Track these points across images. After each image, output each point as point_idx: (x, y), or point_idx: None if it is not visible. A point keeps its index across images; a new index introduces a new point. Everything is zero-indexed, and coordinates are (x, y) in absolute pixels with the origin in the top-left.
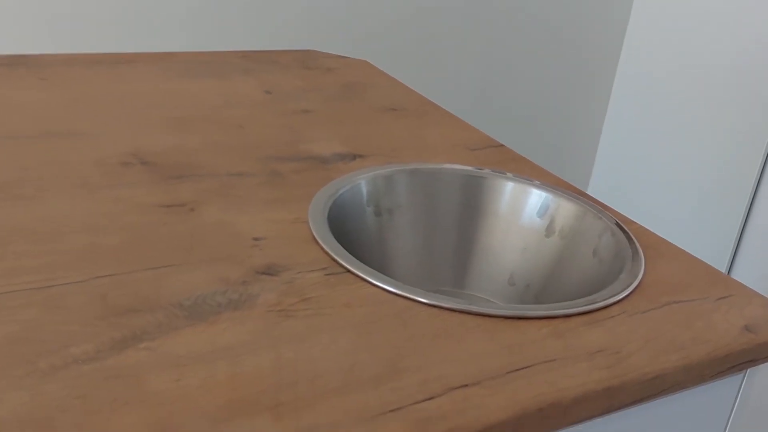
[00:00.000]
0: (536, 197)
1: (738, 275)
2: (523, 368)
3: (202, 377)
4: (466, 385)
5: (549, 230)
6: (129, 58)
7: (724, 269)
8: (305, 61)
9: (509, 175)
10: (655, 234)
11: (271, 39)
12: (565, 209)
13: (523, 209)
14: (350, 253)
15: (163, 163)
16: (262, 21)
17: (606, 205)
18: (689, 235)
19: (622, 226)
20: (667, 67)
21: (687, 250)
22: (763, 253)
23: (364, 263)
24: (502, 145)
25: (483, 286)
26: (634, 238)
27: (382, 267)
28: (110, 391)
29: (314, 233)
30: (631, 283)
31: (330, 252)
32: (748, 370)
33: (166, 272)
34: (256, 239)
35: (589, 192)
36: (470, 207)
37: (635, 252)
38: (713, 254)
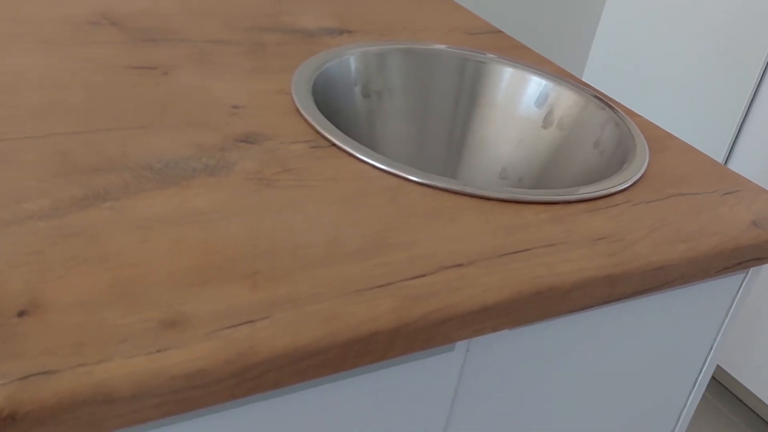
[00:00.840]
0: (536, 85)
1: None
2: (520, 251)
3: (171, 240)
4: (460, 265)
5: (547, 121)
6: None
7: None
8: None
9: (509, 60)
10: (660, 127)
11: None
12: (566, 98)
13: (521, 98)
14: None
15: (134, 25)
16: None
17: (609, 97)
18: (686, 130)
19: (626, 118)
20: None
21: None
22: (761, 150)
23: None
24: (500, 31)
25: (474, 178)
26: (638, 129)
27: None
28: (67, 249)
29: (298, 105)
30: (635, 174)
31: (315, 125)
32: (751, 270)
33: (135, 134)
34: (235, 107)
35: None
36: (466, 93)
37: (639, 144)
38: (710, 148)
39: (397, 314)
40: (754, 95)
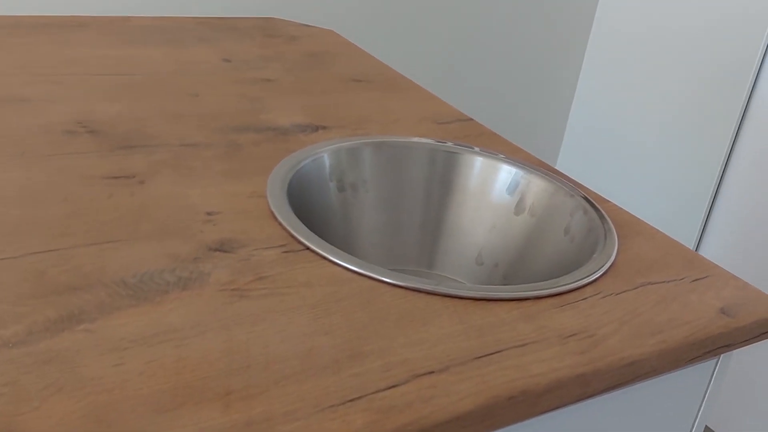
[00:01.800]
0: (506, 173)
1: (706, 252)
2: (492, 353)
3: (145, 361)
4: (433, 372)
5: (519, 207)
6: (79, 22)
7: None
8: (267, 29)
9: (478, 150)
10: (628, 212)
11: (231, 5)
12: (536, 186)
13: (493, 186)
14: (311, 230)
15: (111, 132)
16: None
17: (578, 183)
18: (657, 216)
19: (595, 204)
20: (636, 46)
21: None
22: (729, 234)
23: (326, 241)
24: (471, 119)
25: (450, 265)
26: (607, 216)
27: (345, 245)
28: (42, 377)
29: (272, 208)
30: (604, 263)
31: (289, 228)
32: (722, 356)
33: (111, 247)
34: (209, 213)
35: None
36: (438, 183)
37: (608, 230)
38: (681, 235)
39: (370, 430)
40: (721, 177)
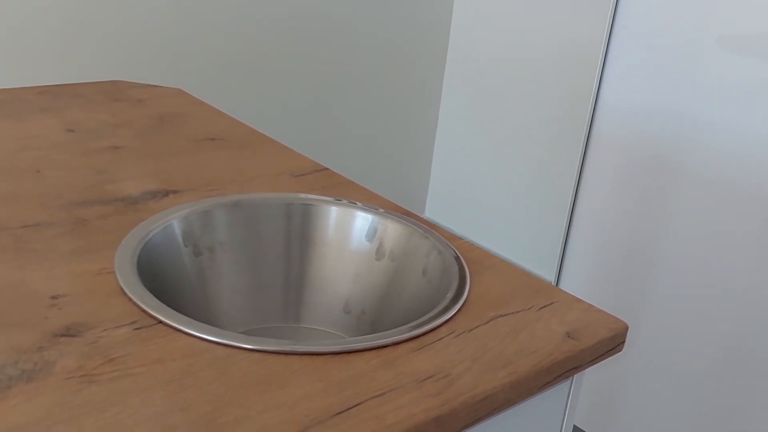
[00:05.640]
0: (363, 220)
1: (568, 273)
2: (352, 407)
3: None
4: None
5: (379, 253)
6: None
7: (554, 268)
8: (112, 92)
9: (332, 199)
10: (479, 248)
11: (75, 71)
12: (393, 230)
13: (351, 234)
14: (167, 300)
15: None
16: (63, 51)
17: (432, 223)
18: (521, 239)
19: (448, 244)
20: (488, 80)
21: (521, 253)
22: (587, 250)
23: (184, 310)
24: (326, 169)
25: (318, 316)
26: (459, 254)
27: (205, 312)
28: None
29: (121, 284)
30: (457, 302)
31: (139, 303)
32: (575, 377)
33: None
34: (54, 297)
35: (427, 202)
36: (297, 236)
37: (461, 268)
38: (543, 255)
39: None
40: (573, 206)
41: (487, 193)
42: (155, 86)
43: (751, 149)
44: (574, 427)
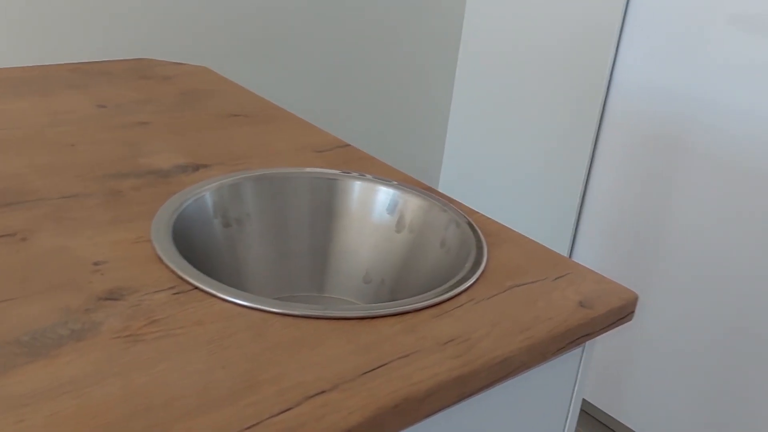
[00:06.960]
0: (384, 195)
1: (580, 252)
2: (378, 367)
3: (47, 415)
4: (323, 392)
5: (399, 225)
6: None
7: (567, 247)
8: (140, 70)
9: (356, 174)
10: (496, 222)
11: (103, 49)
12: (413, 204)
13: (373, 207)
14: (200, 268)
15: None
16: (91, 30)
17: (450, 198)
18: (534, 219)
19: (466, 217)
20: (500, 66)
21: (534, 233)
22: (599, 229)
23: (216, 277)
24: (348, 145)
25: (340, 286)
26: (476, 227)
27: (235, 279)
28: None
29: (158, 252)
30: (476, 271)
31: (176, 270)
32: (586, 344)
33: (0, 308)
34: (96, 263)
35: (440, 182)
36: (321, 209)
37: (479, 240)
38: (555, 235)
39: None
40: (587, 181)
41: (500, 172)
42: (181, 64)
43: (764, 129)
44: (583, 400)
